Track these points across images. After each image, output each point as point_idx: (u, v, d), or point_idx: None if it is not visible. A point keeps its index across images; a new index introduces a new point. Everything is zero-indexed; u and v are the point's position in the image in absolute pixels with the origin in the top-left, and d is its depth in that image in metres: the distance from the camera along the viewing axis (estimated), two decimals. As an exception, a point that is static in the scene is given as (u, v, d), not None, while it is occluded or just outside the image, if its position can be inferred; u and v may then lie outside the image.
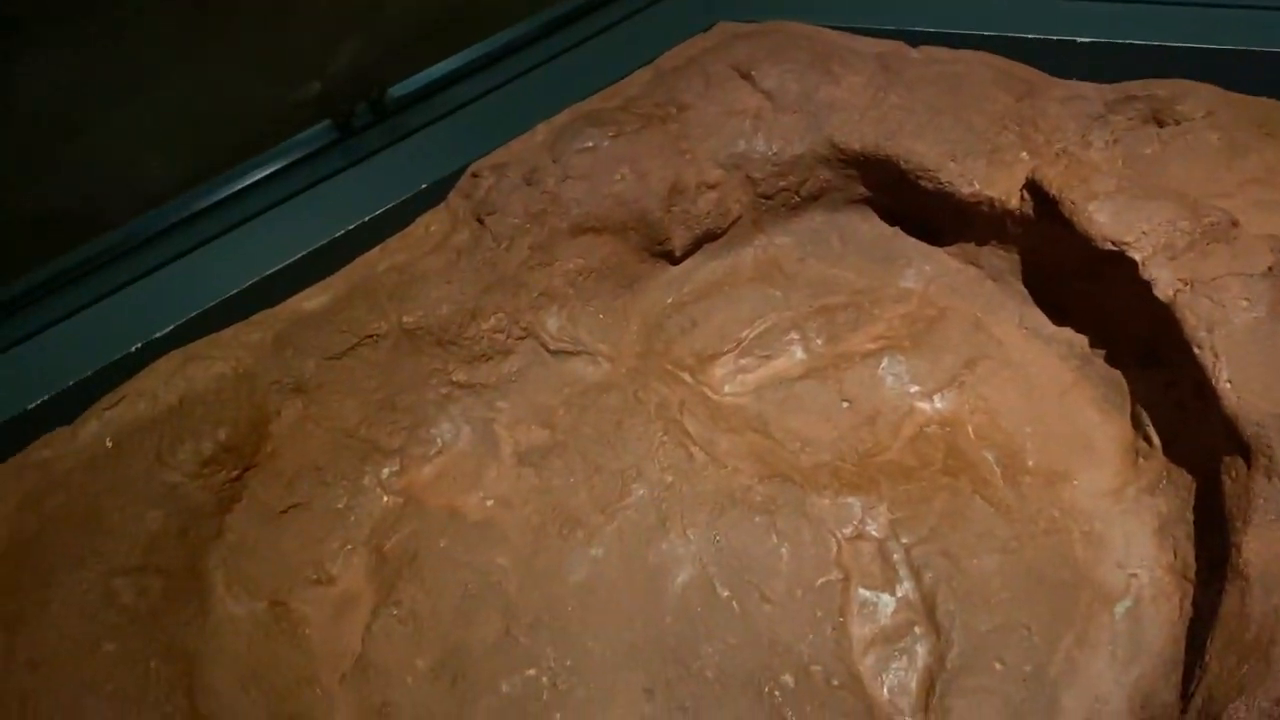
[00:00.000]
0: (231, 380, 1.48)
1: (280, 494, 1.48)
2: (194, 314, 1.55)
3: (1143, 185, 1.50)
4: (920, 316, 1.67)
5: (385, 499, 1.51)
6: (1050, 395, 1.55)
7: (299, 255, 1.62)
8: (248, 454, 1.46)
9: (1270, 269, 1.37)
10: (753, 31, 1.89)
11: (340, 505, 1.50)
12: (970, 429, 1.54)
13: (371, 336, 1.55)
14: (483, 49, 2.05)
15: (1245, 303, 1.33)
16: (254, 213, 1.70)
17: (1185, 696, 1.23)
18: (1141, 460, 1.45)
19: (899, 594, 1.39)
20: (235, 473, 1.44)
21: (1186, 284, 1.37)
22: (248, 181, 1.76)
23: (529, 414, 1.59)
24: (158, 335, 1.54)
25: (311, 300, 1.58)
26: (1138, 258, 1.40)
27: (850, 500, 1.46)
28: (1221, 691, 1.17)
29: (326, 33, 1.82)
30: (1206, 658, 1.21)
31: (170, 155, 1.76)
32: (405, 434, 1.55)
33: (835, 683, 1.32)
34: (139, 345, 1.55)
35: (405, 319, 1.55)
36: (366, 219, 1.66)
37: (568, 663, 1.36)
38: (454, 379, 1.57)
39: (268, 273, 1.60)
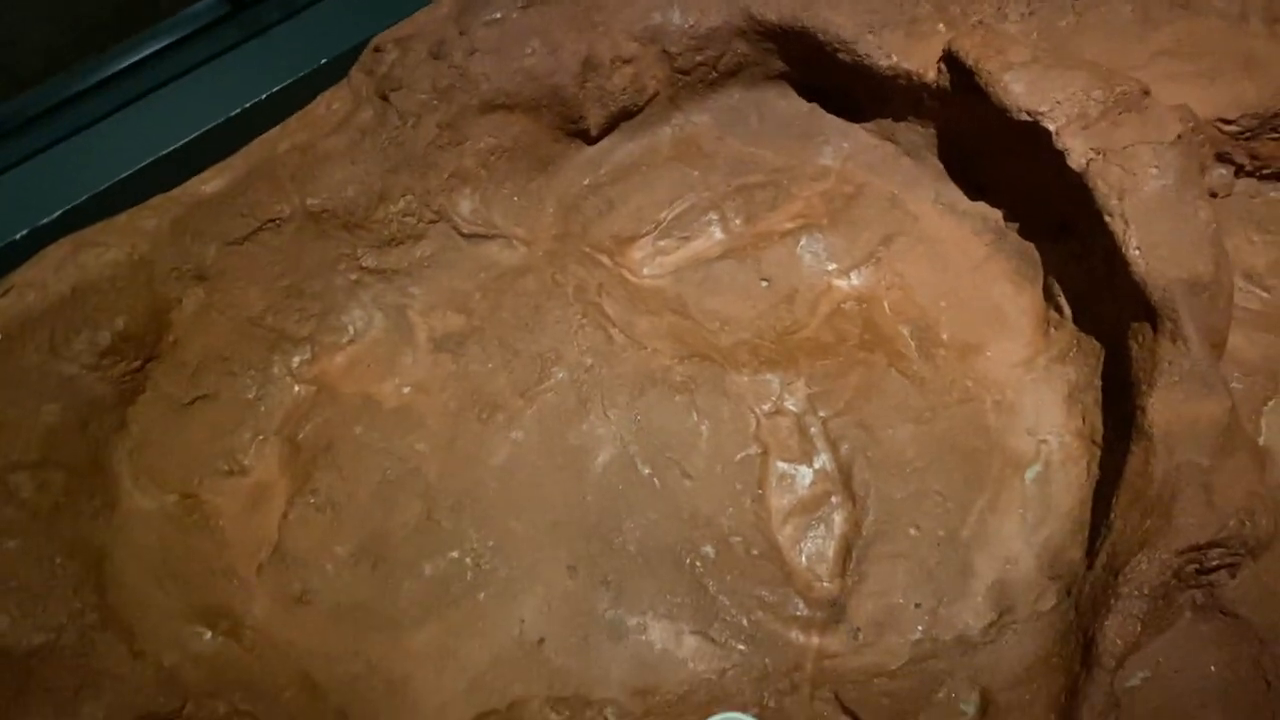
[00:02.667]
0: (127, 267, 1.41)
1: (185, 385, 1.43)
2: (83, 198, 1.46)
3: (1057, 56, 1.49)
4: (838, 194, 1.66)
5: (296, 388, 1.47)
6: (964, 269, 1.56)
7: (193, 135, 1.54)
8: (148, 344, 1.40)
9: (1179, 137, 1.38)
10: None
11: (249, 395, 1.46)
12: (886, 305, 1.55)
13: (274, 221, 1.48)
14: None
15: (1155, 170, 1.34)
16: (143, 91, 1.59)
17: (1091, 554, 1.27)
18: (1052, 330, 1.48)
19: (816, 465, 1.41)
20: (136, 364, 1.38)
21: (1099, 153, 1.38)
22: (135, 58, 1.64)
23: (443, 299, 1.55)
24: (45, 221, 1.46)
25: (209, 183, 1.50)
26: (1051, 127, 1.40)
27: (769, 377, 1.47)
28: (1125, 547, 1.22)
29: (213, -103, 1.70)
30: (1112, 516, 1.26)
31: (51, 30, 1.64)
32: (314, 321, 1.50)
33: (755, 552, 1.34)
34: (24, 233, 1.46)
35: (309, 202, 1.49)
36: (264, 97, 1.57)
37: (490, 543, 1.36)
38: (363, 264, 1.52)
39: (161, 154, 1.51)
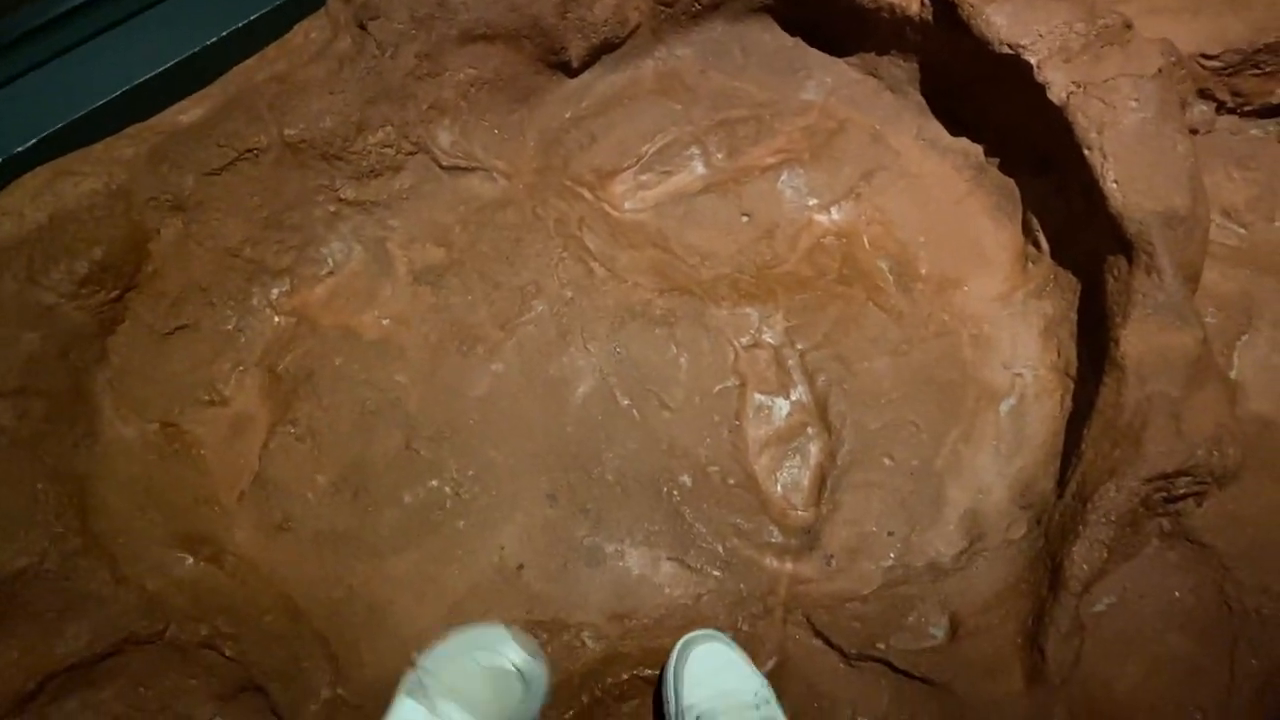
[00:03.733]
0: (105, 197, 1.40)
1: (165, 315, 1.42)
2: (60, 126, 1.44)
3: (1041, -11, 1.48)
4: (820, 129, 1.65)
5: (276, 319, 1.47)
6: (945, 205, 1.57)
7: (170, 64, 1.51)
8: (127, 274, 1.39)
9: (1160, 71, 1.38)
10: None
11: (229, 326, 1.46)
12: (866, 239, 1.55)
13: (252, 151, 1.47)
14: None
15: (1135, 104, 1.34)
16: (120, 18, 1.56)
17: (1062, 484, 1.29)
18: (1030, 265, 1.49)
19: (793, 397, 1.42)
20: (115, 293, 1.38)
21: (1079, 86, 1.37)
22: (110, -15, 1.62)
23: (423, 232, 1.55)
24: (20, 150, 1.44)
25: (187, 113, 1.49)
26: (1033, 60, 1.40)
27: (748, 310, 1.48)
28: (1094, 476, 1.24)
29: None
30: (1082, 446, 1.28)
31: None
32: (294, 253, 1.50)
33: (731, 481, 1.36)
34: (0, 161, 1.44)
35: (287, 132, 1.47)
36: (240, 25, 1.54)
37: (470, 473, 1.38)
38: (342, 196, 1.51)
39: (138, 82, 1.48)
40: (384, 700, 1.21)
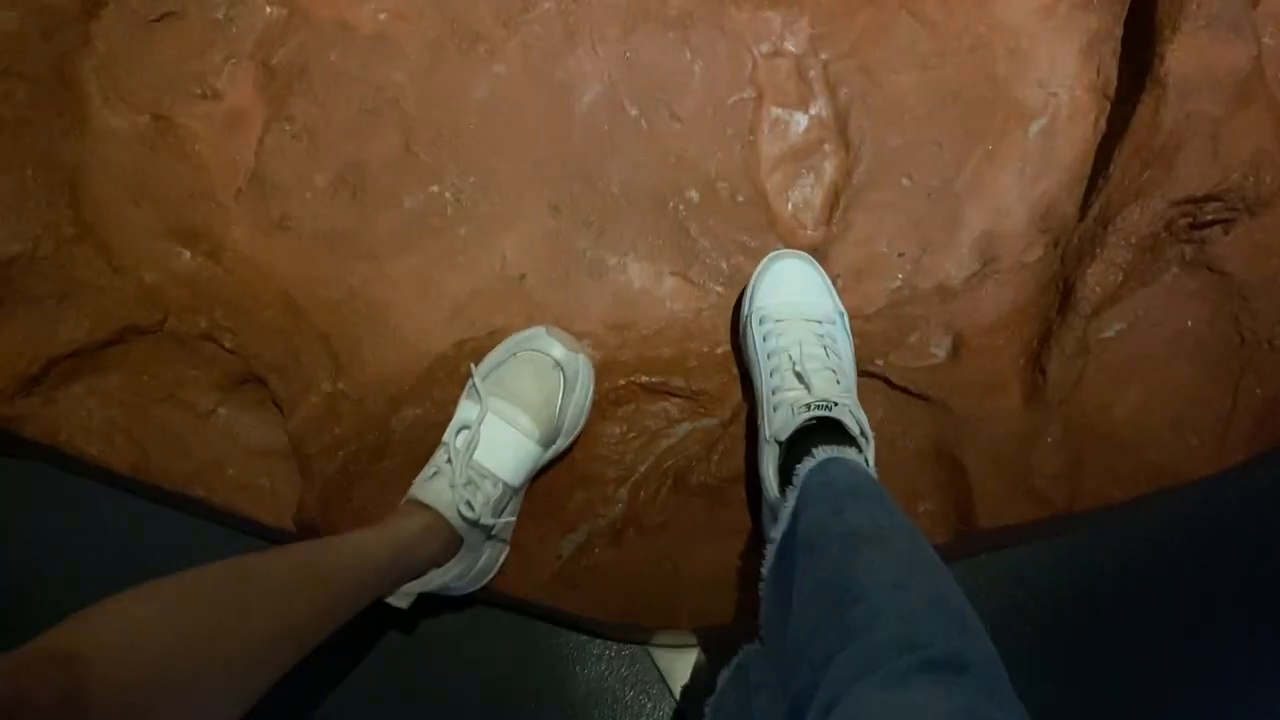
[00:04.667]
0: None
1: (149, 0, 1.34)
2: None
3: None
4: None
5: (269, 10, 1.38)
6: (995, -95, 1.42)
7: None
8: (105, -49, 1.30)
9: None
10: None
11: (219, 15, 1.37)
12: (904, -59, 1.42)
13: None
14: None
15: None
16: None
17: (1085, 207, 1.24)
18: (1080, -26, 1.36)
19: (812, 111, 1.35)
20: (94, -28, 1.30)
21: None
22: None
23: (423, -82, 1.43)
24: None
25: None
26: None
27: (770, 14, 1.37)
28: (1119, 198, 1.19)
29: None
30: (1112, 167, 1.21)
31: None
32: (285, -66, 1.39)
33: (740, 198, 1.31)
34: None
35: None
36: None
37: (471, 179, 1.33)
38: None
39: None
40: (384, 395, 1.24)
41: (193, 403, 1.25)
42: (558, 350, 1.17)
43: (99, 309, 1.21)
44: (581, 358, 1.19)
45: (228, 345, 1.23)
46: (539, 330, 1.20)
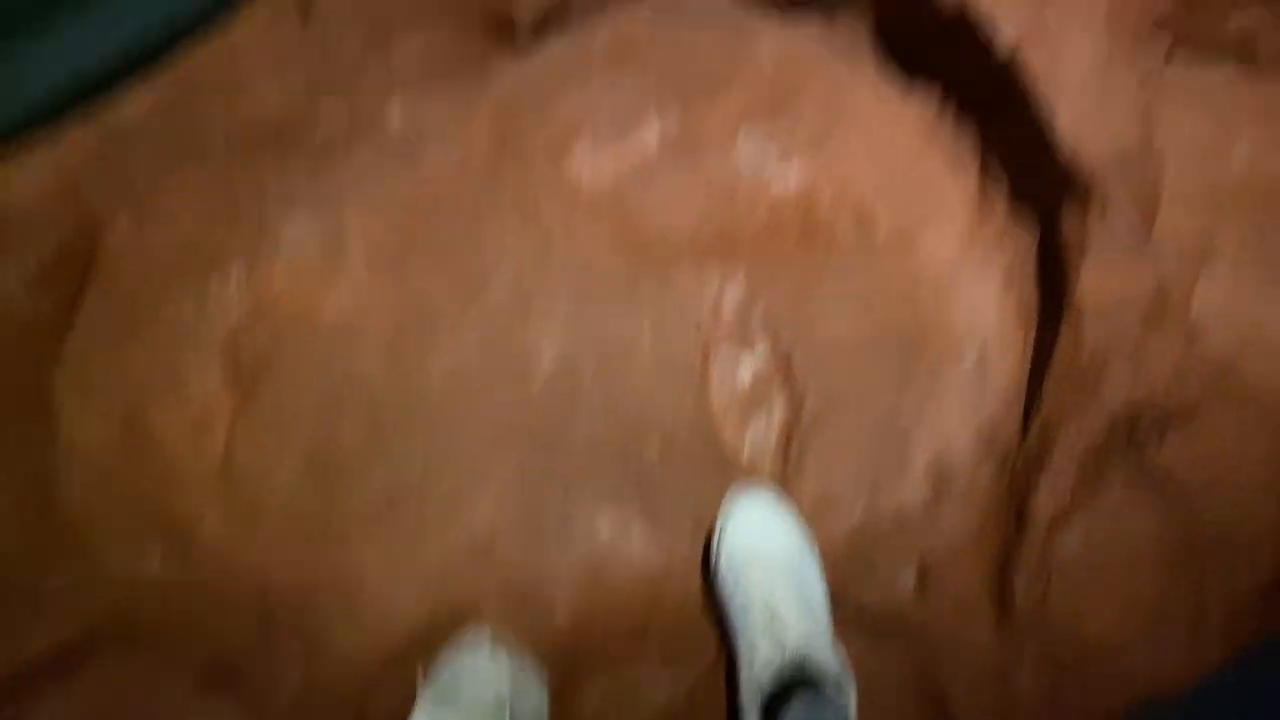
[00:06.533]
0: (55, 190, 1.39)
1: (123, 309, 1.41)
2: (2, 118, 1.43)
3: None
4: (776, 89, 1.64)
5: (235, 308, 1.46)
6: (902, 158, 1.55)
7: (117, 51, 1.49)
8: (80, 269, 1.38)
9: (1109, 13, 1.37)
10: None
11: (188, 316, 1.44)
12: (826, 196, 1.54)
13: (202, 138, 1.45)
14: None
15: (1085, 43, 1.34)
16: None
17: (1026, 427, 1.30)
18: (988, 214, 1.48)
19: (757, 356, 1.42)
20: (70, 289, 1.37)
21: (1028, 30, 1.36)
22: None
23: (379, 211, 1.53)
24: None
25: (134, 103, 1.47)
26: (982, 8, 1.39)
27: (710, 275, 1.47)
28: (1056, 418, 1.25)
29: None
30: (1044, 391, 1.28)
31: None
32: (250, 239, 1.48)
33: (698, 446, 1.36)
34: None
35: (237, 116, 1.46)
36: (186, 10, 1.52)
37: (437, 452, 1.37)
38: (295, 178, 1.50)
39: (84, 70, 1.46)
40: (357, 684, 1.23)
41: (170, 695, 1.23)
42: (502, 659, 1.16)
43: (70, 611, 1.20)
44: (527, 660, 1.19)
45: (201, 641, 1.23)
46: (482, 638, 1.20)
